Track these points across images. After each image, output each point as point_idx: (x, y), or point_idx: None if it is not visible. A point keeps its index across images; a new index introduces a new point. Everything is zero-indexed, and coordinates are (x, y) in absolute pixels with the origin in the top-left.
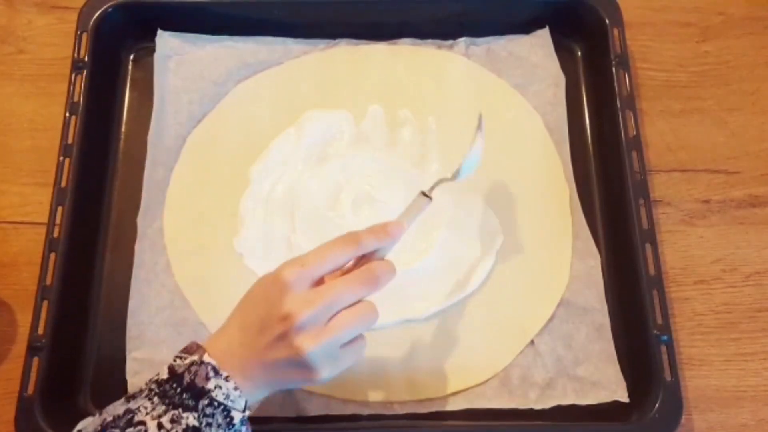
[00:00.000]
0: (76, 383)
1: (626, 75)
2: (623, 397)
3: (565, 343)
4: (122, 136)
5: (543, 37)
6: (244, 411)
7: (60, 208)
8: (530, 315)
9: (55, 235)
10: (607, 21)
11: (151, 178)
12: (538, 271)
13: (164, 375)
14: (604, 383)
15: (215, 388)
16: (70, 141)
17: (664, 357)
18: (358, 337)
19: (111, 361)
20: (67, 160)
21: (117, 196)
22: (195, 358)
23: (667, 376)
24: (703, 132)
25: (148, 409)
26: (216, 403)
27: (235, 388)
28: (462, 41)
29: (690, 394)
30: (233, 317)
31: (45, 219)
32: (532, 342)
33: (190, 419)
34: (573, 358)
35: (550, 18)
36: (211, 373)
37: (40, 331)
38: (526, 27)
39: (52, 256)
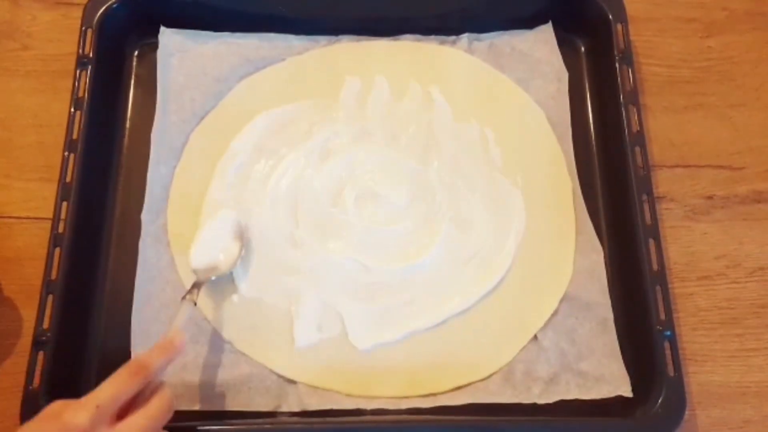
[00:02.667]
0: (80, 377)
1: (630, 70)
2: (627, 392)
3: (569, 338)
4: (126, 132)
5: (546, 32)
6: None
7: (65, 204)
8: (533, 310)
9: (60, 230)
10: (611, 16)
11: (155, 175)
12: (541, 266)
13: None
14: (608, 378)
15: None
16: (74, 137)
17: (668, 352)
18: None
19: (115, 356)
20: (71, 156)
21: (121, 192)
22: None
23: (671, 372)
24: (707, 127)
25: None
26: None
27: None
28: (465, 37)
29: (693, 390)
30: None
31: (50, 214)
32: (535, 337)
33: None
34: (576, 353)
35: (553, 13)
36: None
37: (45, 325)
38: (529, 22)
39: (57, 251)
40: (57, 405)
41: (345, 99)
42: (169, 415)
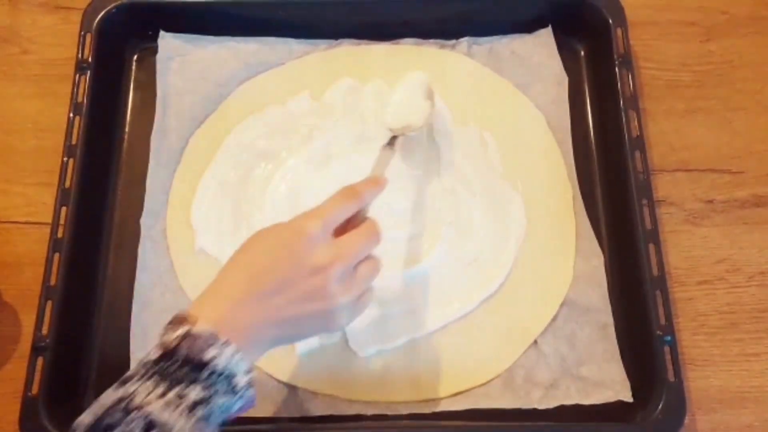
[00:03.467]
0: (80, 383)
1: (629, 75)
2: (627, 397)
3: (569, 343)
4: (126, 137)
5: (546, 36)
6: (248, 373)
7: (64, 209)
8: (533, 315)
9: (59, 235)
10: (611, 20)
11: (154, 180)
12: (541, 270)
13: (156, 354)
14: (608, 383)
15: (215, 357)
16: (74, 142)
17: (668, 357)
18: (367, 288)
19: (115, 362)
20: (71, 161)
21: (120, 197)
22: (187, 329)
23: (671, 377)
24: (707, 132)
25: (148, 391)
26: (218, 372)
27: (236, 352)
28: (464, 41)
29: (693, 395)
30: (231, 279)
31: (49, 219)
32: (535, 342)
33: (195, 392)
34: (576, 358)
35: (552, 17)
36: (210, 341)
37: (44, 331)
38: (528, 26)
39: (56, 256)
40: (287, 221)
41: (332, 96)
42: (378, 242)
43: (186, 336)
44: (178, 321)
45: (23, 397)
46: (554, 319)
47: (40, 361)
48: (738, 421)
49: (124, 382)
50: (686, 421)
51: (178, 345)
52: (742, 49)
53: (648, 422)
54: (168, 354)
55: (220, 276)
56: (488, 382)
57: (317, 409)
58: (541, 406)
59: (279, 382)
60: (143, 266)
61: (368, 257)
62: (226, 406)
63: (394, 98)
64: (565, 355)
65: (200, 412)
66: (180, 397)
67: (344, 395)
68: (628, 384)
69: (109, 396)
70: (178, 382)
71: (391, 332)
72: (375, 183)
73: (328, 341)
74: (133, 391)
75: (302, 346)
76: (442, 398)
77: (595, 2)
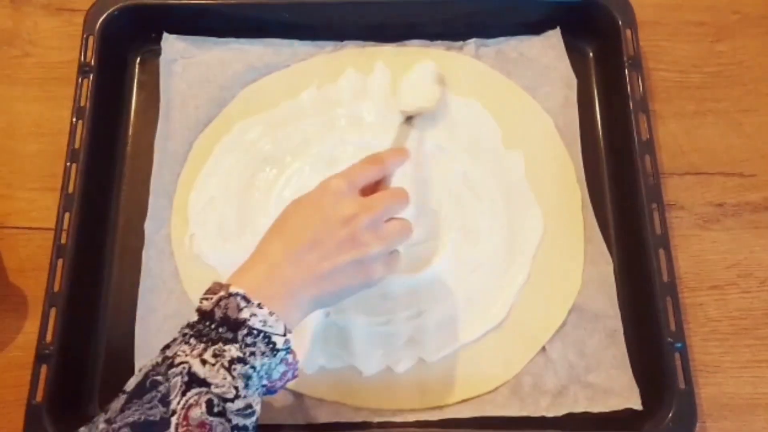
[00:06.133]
0: (84, 390)
1: (639, 77)
2: (636, 404)
3: (577, 350)
4: (129, 141)
5: (554, 38)
6: (285, 335)
7: (67, 214)
8: (542, 321)
9: (63, 241)
10: (620, 21)
11: (158, 184)
12: (550, 276)
13: (194, 318)
14: (617, 390)
15: (250, 316)
16: (77, 146)
17: (678, 364)
18: (394, 251)
19: (119, 369)
20: (74, 166)
21: (124, 202)
22: (222, 293)
23: (681, 384)
24: (718, 134)
25: (187, 351)
26: (255, 331)
27: (271, 314)
28: (472, 42)
29: (704, 402)
30: (266, 245)
31: (52, 224)
32: (543, 348)
33: (233, 351)
34: (585, 365)
35: (561, 18)
36: (243, 303)
37: (48, 338)
38: (536, 28)
39: (60, 262)
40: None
41: (342, 86)
42: (406, 203)
43: (221, 299)
44: (213, 289)
45: (27, 405)
46: (563, 325)
47: (44, 368)
48: (749, 428)
49: (166, 348)
50: (697, 428)
51: (213, 308)
52: (753, 49)
53: (658, 430)
54: (205, 317)
55: (258, 245)
56: (496, 389)
57: (323, 417)
58: (549, 414)
59: (285, 389)
60: (147, 272)
61: (401, 219)
62: (267, 368)
63: (405, 83)
64: (573, 362)
65: (239, 369)
66: (217, 355)
67: (350, 402)
68: (637, 391)
69: (152, 360)
70: (216, 342)
71: (398, 353)
72: (399, 152)
73: (334, 365)
74: (174, 353)
75: (311, 364)
76: (448, 405)
77: (604, 3)
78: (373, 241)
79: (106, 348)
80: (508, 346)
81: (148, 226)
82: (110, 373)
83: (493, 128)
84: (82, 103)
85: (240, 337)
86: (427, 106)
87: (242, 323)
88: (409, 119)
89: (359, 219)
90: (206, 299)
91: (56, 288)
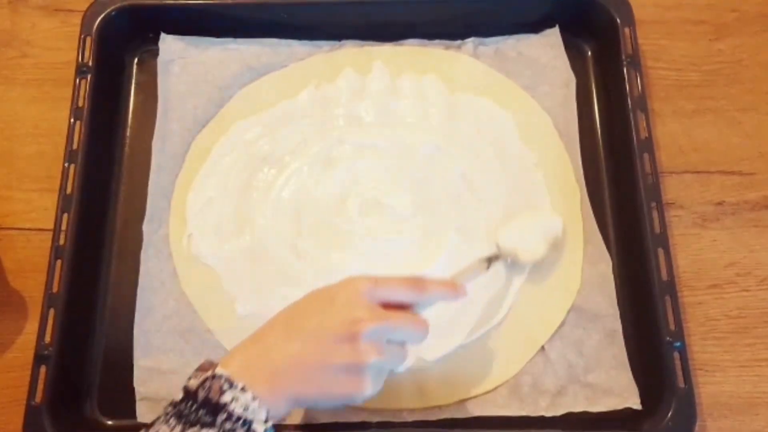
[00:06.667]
0: (83, 391)
1: (638, 75)
2: (635, 404)
3: (577, 350)
4: (127, 141)
5: (553, 36)
6: (266, 421)
7: (65, 215)
8: (541, 321)
9: (61, 242)
10: (618, 20)
11: (156, 185)
12: (548, 276)
13: (179, 396)
14: (616, 390)
15: (231, 401)
16: (75, 147)
17: (677, 363)
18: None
19: (118, 369)
20: (72, 167)
21: (122, 203)
22: (209, 373)
23: (681, 383)
24: (717, 132)
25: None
26: (235, 417)
27: (254, 399)
28: (470, 41)
29: (704, 401)
30: (268, 329)
31: (50, 225)
32: (542, 348)
33: None
34: (584, 365)
35: (559, 17)
36: (226, 386)
37: (47, 339)
38: (535, 26)
39: (58, 263)
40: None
41: (340, 86)
42: (424, 336)
43: (206, 379)
44: (203, 367)
45: (26, 406)
46: (562, 325)
47: (43, 369)
48: (749, 427)
49: (151, 425)
50: (696, 427)
51: (198, 388)
52: (752, 47)
53: (658, 429)
54: (188, 396)
55: (263, 325)
56: (495, 389)
57: (323, 416)
58: (549, 414)
59: None
60: (146, 272)
61: (405, 347)
62: None
63: (517, 220)
64: (572, 362)
65: None
66: None
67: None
68: (636, 391)
69: None
70: (194, 424)
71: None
72: (450, 287)
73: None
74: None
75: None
76: (448, 405)
77: (603, 1)
78: (370, 352)
79: (104, 348)
80: (508, 346)
81: (147, 226)
82: (109, 373)
83: (510, 126)
84: (80, 104)
85: (219, 422)
86: (522, 259)
87: (222, 407)
88: (492, 259)
89: (365, 324)
90: (194, 377)
91: (55, 289)
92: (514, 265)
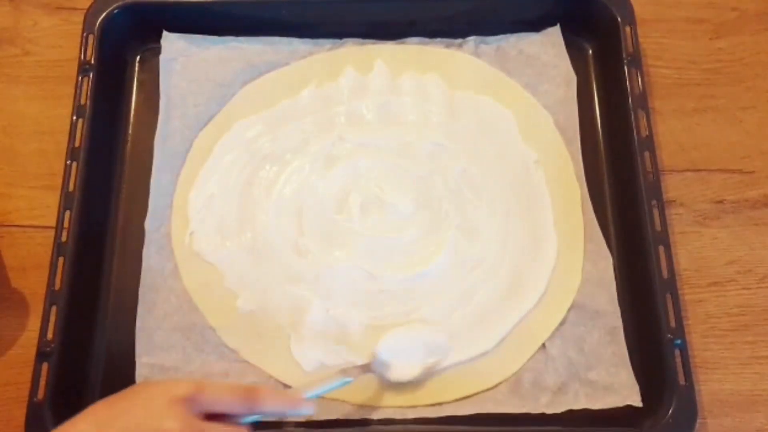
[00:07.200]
0: (85, 388)
1: (638, 74)
2: (636, 401)
3: (577, 347)
4: (129, 139)
5: (554, 35)
6: None
7: (68, 212)
8: (542, 318)
9: (63, 239)
10: (619, 19)
11: (158, 182)
12: (549, 274)
13: None
14: (617, 387)
15: None
16: (77, 144)
17: (678, 361)
18: None
19: (120, 366)
20: (74, 164)
21: (124, 200)
22: None
23: (681, 380)
24: (717, 131)
25: None
26: None
27: None
28: (471, 40)
29: (704, 399)
30: (80, 420)
31: (53, 223)
32: (543, 346)
33: None
34: (585, 362)
35: (560, 16)
36: None
37: (50, 336)
38: (536, 25)
39: (60, 260)
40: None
41: (342, 84)
42: None
43: None
44: None
45: (28, 402)
46: (562, 322)
47: (45, 366)
48: (750, 425)
49: None
50: (697, 425)
51: None
52: (752, 46)
53: (658, 427)
54: None
55: (77, 415)
56: (495, 386)
57: (323, 413)
58: (549, 411)
59: (284, 385)
60: (147, 270)
61: None
62: None
63: (399, 330)
64: (573, 359)
65: None
66: None
67: (350, 399)
68: (637, 388)
69: None
70: None
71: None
72: (287, 400)
73: (333, 361)
74: None
75: (310, 361)
76: (449, 402)
77: (604, 1)
78: None
79: (106, 345)
80: (508, 343)
81: (148, 224)
82: (111, 370)
83: (511, 124)
84: (82, 102)
85: None
86: (393, 377)
87: None
88: (363, 368)
89: None
90: None
91: (57, 286)
92: (381, 377)
